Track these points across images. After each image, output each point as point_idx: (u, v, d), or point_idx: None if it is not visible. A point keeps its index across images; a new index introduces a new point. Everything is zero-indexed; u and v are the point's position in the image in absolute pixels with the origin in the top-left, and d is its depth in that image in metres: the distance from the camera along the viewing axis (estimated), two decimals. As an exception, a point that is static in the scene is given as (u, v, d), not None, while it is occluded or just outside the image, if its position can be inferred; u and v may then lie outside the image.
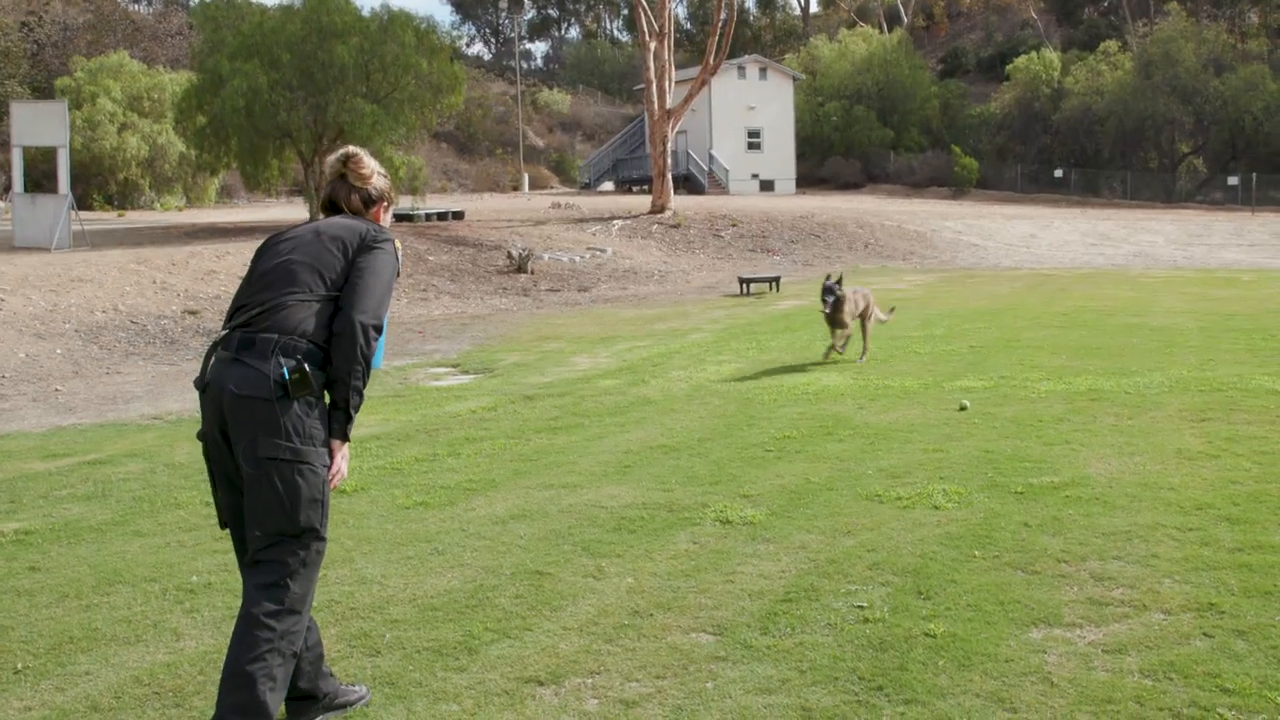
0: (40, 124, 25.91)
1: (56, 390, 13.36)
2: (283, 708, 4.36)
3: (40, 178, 31.53)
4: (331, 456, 4.12)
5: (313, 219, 4.39)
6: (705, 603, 5.59)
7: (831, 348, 13.71)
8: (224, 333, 4.16)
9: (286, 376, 3.96)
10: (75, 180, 38.66)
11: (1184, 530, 6.52)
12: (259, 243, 4.38)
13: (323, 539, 4.12)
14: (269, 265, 4.26)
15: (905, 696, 4.47)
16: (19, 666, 5.04)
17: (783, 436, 9.46)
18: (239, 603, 4.22)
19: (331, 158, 4.51)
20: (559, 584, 5.94)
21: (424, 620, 5.44)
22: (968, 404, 10.45)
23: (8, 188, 28.23)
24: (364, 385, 4.13)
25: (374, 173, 4.51)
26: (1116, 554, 6.14)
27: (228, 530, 4.25)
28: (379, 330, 4.15)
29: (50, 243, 24.05)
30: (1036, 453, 8.57)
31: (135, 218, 37.56)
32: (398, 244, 4.40)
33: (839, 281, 13.32)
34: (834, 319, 13.33)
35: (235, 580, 5.99)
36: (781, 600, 5.57)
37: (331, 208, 4.51)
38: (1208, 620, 5.17)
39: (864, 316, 13.86)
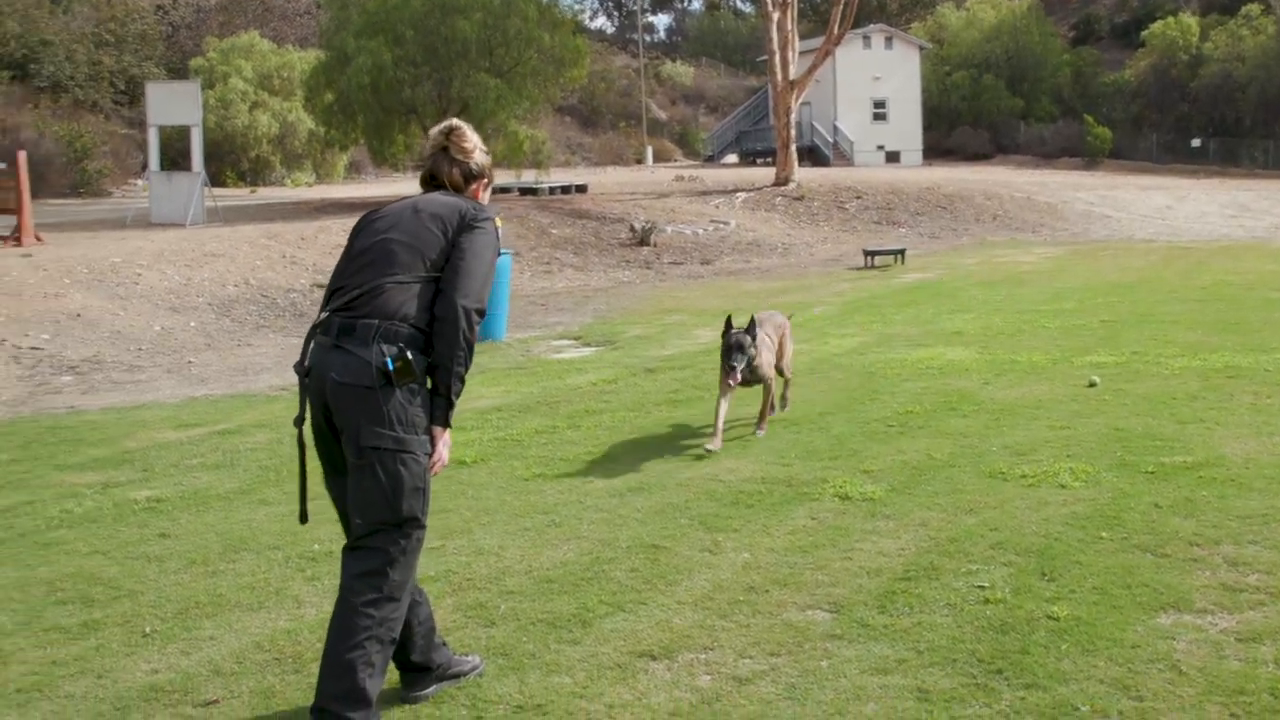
0: (174, 104, 26.51)
1: (189, 362, 13.69)
2: (398, 677, 4.41)
3: (176, 156, 32.25)
4: (433, 444, 4.08)
5: None
6: (822, 580, 5.52)
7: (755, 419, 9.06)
8: (323, 317, 4.12)
9: (390, 365, 3.93)
10: (209, 158, 39.55)
11: (1324, 513, 6.27)
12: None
13: (423, 526, 4.11)
14: (366, 244, 4.21)
15: (1025, 681, 4.36)
16: (147, 630, 5.17)
17: (905, 411, 9.31)
18: None
19: (434, 130, 4.45)
20: (674, 558, 5.92)
21: (539, 592, 5.46)
22: (1097, 380, 10.17)
23: (145, 166, 28.95)
24: (466, 371, 4.08)
25: (476, 148, 4.43)
26: (1252, 538, 5.92)
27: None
28: (481, 314, 4.10)
29: (185, 219, 24.64)
30: (1169, 431, 8.31)
31: (267, 194, 38.36)
32: (498, 222, 4.35)
33: (749, 329, 8.59)
34: (755, 380, 8.66)
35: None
36: (900, 579, 5.48)
37: (431, 182, 4.44)
38: (1349, 607, 4.96)
39: (781, 352, 9.40)
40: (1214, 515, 6.30)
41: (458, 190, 4.40)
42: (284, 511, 7.00)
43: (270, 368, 13.16)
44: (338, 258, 4.35)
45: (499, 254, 4.33)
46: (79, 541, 6.55)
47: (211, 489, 7.66)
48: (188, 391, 11.80)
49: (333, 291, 4.18)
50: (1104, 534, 6.02)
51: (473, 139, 4.43)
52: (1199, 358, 11.30)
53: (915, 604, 5.15)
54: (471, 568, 5.86)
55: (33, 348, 13.61)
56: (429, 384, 4.10)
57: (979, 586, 5.33)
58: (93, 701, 4.47)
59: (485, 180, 4.50)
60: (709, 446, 8.15)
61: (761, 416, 8.90)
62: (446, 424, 4.11)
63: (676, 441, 8.59)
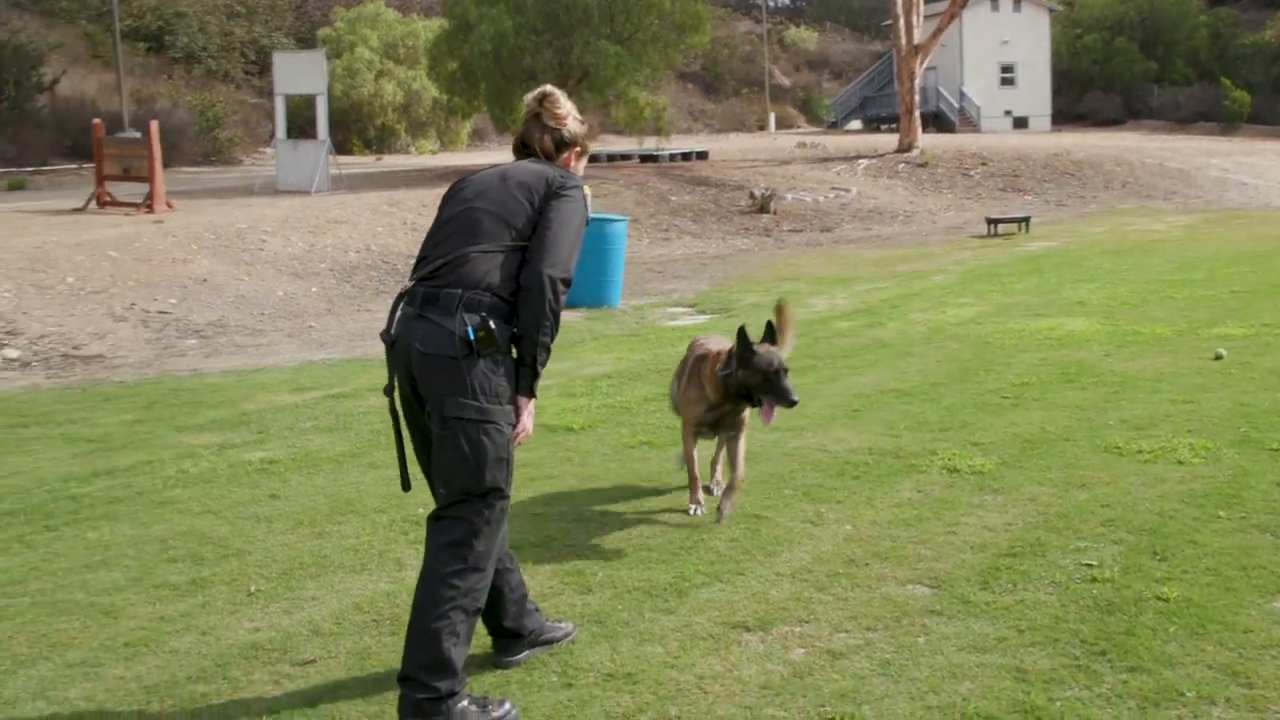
0: (300, 73, 26.95)
1: (310, 327, 13.95)
2: (490, 642, 4.44)
3: (303, 124, 32.85)
4: (518, 414, 4.06)
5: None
6: (924, 554, 5.43)
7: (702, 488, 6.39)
8: (408, 285, 4.12)
9: (472, 334, 3.91)
10: (335, 126, 40.16)
11: None
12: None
13: (506, 497, 4.08)
14: (452, 213, 4.20)
15: (1129, 664, 4.24)
16: (252, 589, 5.28)
17: (1021, 383, 9.12)
18: None
19: (528, 96, 4.42)
20: (776, 528, 5.86)
21: (638, 560, 5.45)
22: (1224, 353, 9.84)
23: (273, 135, 29.53)
24: (552, 340, 4.05)
25: (569, 115, 4.39)
26: (1380, 518, 5.68)
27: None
28: (568, 284, 4.07)
29: (310, 186, 25.07)
30: (1297, 406, 8.02)
31: (391, 161, 38.86)
32: (587, 190, 4.29)
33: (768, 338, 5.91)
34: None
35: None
36: (1005, 555, 5.36)
37: (523, 149, 4.41)
38: None
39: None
40: (1341, 495, 6.07)
41: (549, 158, 4.36)
42: (391, 475, 7.02)
43: (388, 333, 13.35)
44: None
45: (587, 223, 4.28)
46: (193, 501, 6.72)
47: (323, 451, 7.79)
48: (306, 355, 12.03)
49: (419, 260, 4.19)
50: (1221, 513, 5.82)
51: (566, 106, 4.39)
52: (1334, 330, 10.88)
53: (1019, 581, 5.04)
54: (571, 535, 5.87)
55: (161, 312, 13.97)
56: (513, 354, 4.08)
57: (1086, 565, 5.19)
58: (195, 657, 4.58)
59: (578, 149, 4.45)
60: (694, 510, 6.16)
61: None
62: (531, 394, 4.09)
63: (785, 411, 8.47)
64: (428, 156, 42.94)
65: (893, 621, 4.69)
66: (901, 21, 35.86)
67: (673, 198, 27.26)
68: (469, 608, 3.97)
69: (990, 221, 23.95)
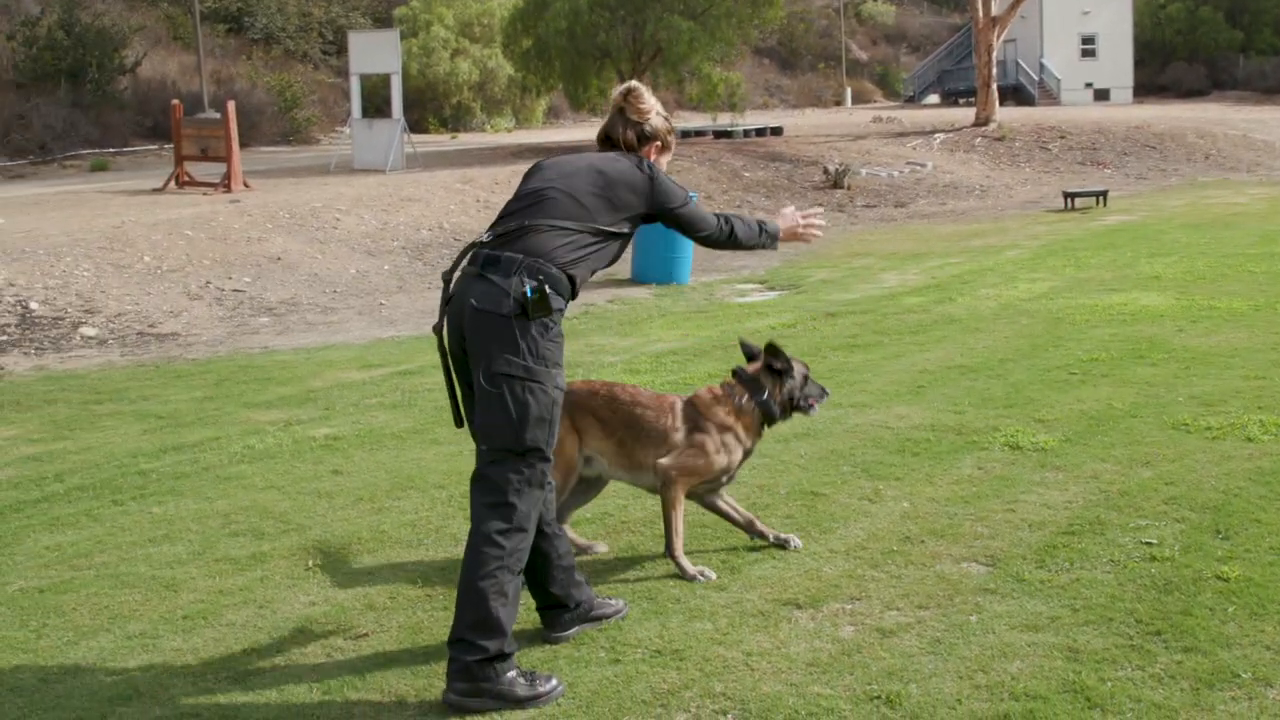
0: (375, 52, 27.14)
1: (381, 304, 14.08)
2: (539, 617, 4.47)
3: (380, 103, 33.05)
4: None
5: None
6: (981, 531, 5.37)
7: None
8: (476, 242, 4.23)
9: (530, 295, 3.99)
10: (411, 105, 40.44)
11: None
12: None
13: (547, 459, 4.13)
14: (533, 188, 4.31)
15: (1185, 644, 4.17)
16: (309, 564, 5.35)
17: (1090, 359, 8.98)
18: None
19: (615, 91, 4.55)
20: (832, 505, 5.84)
21: (692, 537, 5.44)
22: None
23: (350, 114, 29.77)
24: (751, 227, 4.68)
25: (652, 110, 4.49)
26: None
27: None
28: (721, 226, 4.58)
29: (385, 164, 25.27)
30: (1375, 382, 7.83)
31: (467, 139, 39.05)
32: (656, 167, 4.42)
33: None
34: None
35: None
36: (1063, 533, 5.29)
37: (607, 141, 4.52)
38: None
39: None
40: None
41: (631, 150, 4.46)
42: (453, 451, 7.14)
43: (457, 310, 13.44)
44: None
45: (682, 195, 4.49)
46: (257, 476, 6.82)
47: (387, 428, 7.87)
48: (376, 333, 12.15)
49: (492, 226, 4.29)
50: (1289, 491, 5.71)
51: (650, 102, 4.49)
52: None
53: (1076, 559, 4.97)
54: (628, 511, 5.89)
55: (235, 290, 14.18)
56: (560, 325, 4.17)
57: (1146, 543, 5.12)
58: (251, 630, 4.65)
59: (659, 143, 4.52)
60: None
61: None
62: (777, 234, 4.79)
63: (849, 387, 8.45)
64: (503, 134, 43.08)
65: (945, 600, 4.65)
66: (979, -7, 35.34)
67: (746, 174, 27.14)
68: (514, 568, 4.04)
69: (1067, 195, 23.58)
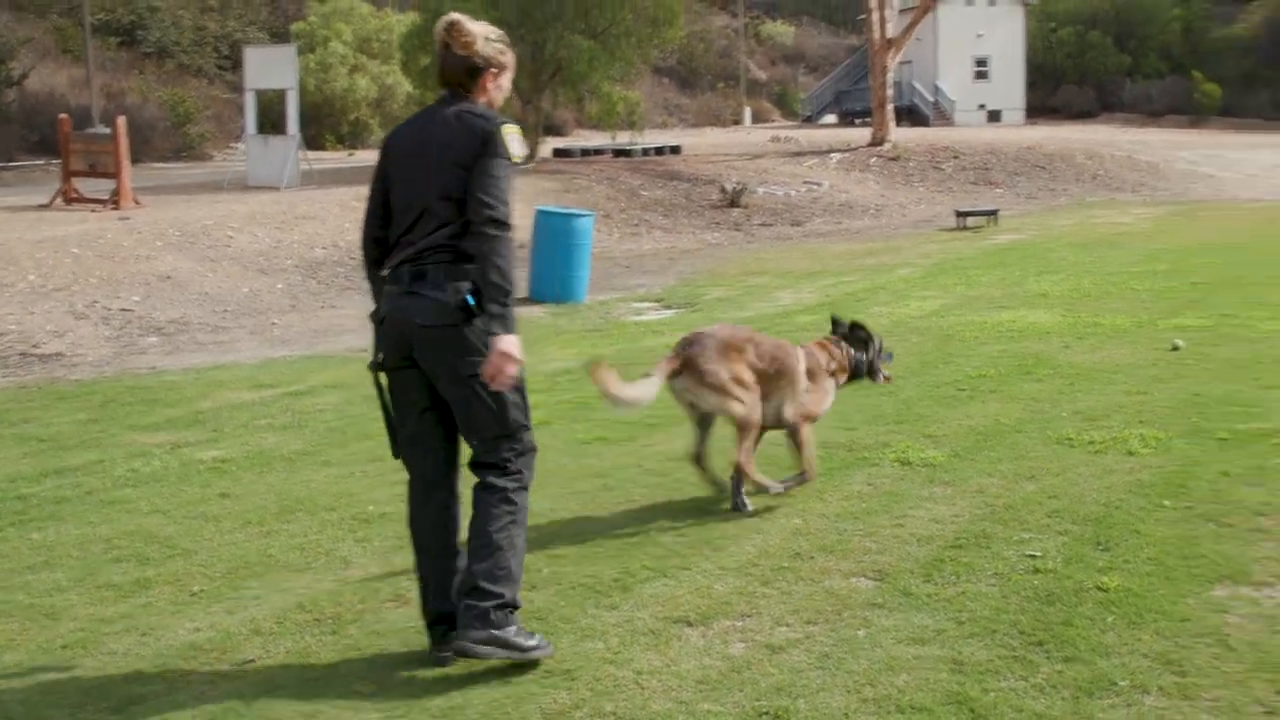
0: (271, 68, 26.84)
1: (273, 324, 13.90)
2: (427, 635, 4.44)
3: (276, 119, 32.69)
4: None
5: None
6: (870, 546, 5.44)
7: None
8: (392, 266, 4.37)
9: (470, 301, 4.19)
10: (309, 121, 39.95)
11: (1404, 483, 6.03)
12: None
13: (529, 428, 4.47)
14: (407, 199, 4.38)
15: (1066, 654, 4.26)
16: (195, 589, 5.26)
17: (978, 375, 9.14)
18: (408, 533, 4.60)
19: (437, 26, 4.44)
20: (724, 523, 5.88)
21: (584, 556, 5.45)
22: (1181, 344, 9.88)
23: (245, 130, 29.40)
24: (505, 279, 4.16)
25: (478, 37, 4.40)
26: (1323, 507, 5.72)
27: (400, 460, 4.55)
28: (508, 225, 4.21)
29: (280, 182, 24.98)
30: (1249, 396, 8.05)
31: (365, 156, 38.65)
32: (513, 129, 4.32)
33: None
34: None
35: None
36: (950, 546, 5.38)
37: (442, 79, 4.46)
38: None
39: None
40: (1286, 485, 6.10)
41: (463, 86, 4.42)
42: (344, 473, 7.08)
43: (353, 329, 13.30)
44: None
45: (521, 157, 4.39)
46: (142, 500, 6.68)
47: (277, 450, 7.76)
48: (268, 353, 11.98)
49: (391, 244, 4.43)
50: (1167, 502, 5.85)
51: (474, 30, 4.40)
52: (1293, 320, 10.95)
53: (962, 573, 5.05)
54: (519, 530, 5.86)
55: (123, 309, 13.89)
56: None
57: (1030, 556, 5.21)
58: (133, 659, 4.55)
59: (493, 69, 4.46)
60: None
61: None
62: (507, 327, 4.19)
63: (742, 405, 8.50)
64: (401, 152, 42.73)
65: (834, 615, 4.69)
66: (875, 15, 35.91)
67: (644, 192, 27.25)
68: (522, 522, 4.43)
69: (960, 214, 24.00)
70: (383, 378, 4.50)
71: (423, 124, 4.47)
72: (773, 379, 6.14)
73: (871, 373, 6.62)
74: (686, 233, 24.12)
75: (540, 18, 29.93)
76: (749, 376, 6.01)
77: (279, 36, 47.80)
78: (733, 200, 26.98)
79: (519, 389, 4.36)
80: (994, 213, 23.97)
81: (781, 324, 12.23)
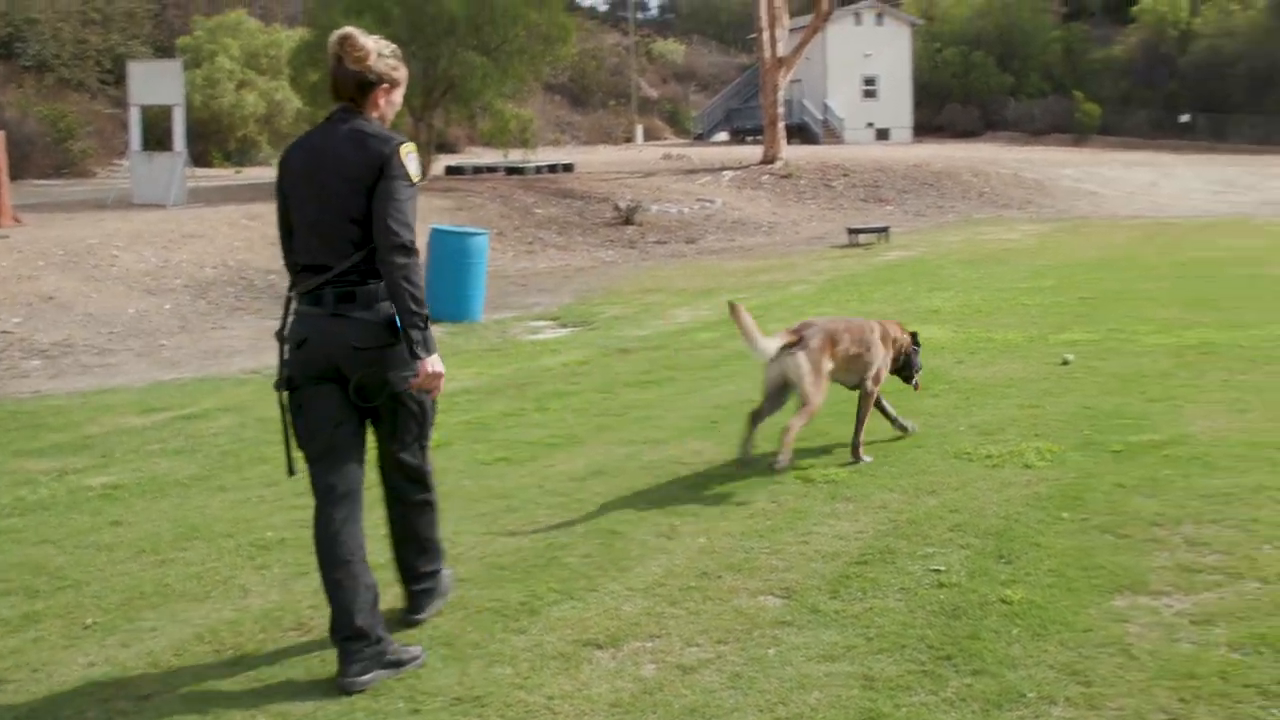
0: (156, 83, 26.33)
1: (162, 345, 13.59)
2: (337, 652, 4.40)
3: (161, 136, 32.07)
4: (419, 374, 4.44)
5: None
6: (776, 564, 5.44)
7: None
8: (310, 287, 4.44)
9: (399, 321, 4.37)
10: (195, 138, 39.24)
11: (1289, 492, 6.20)
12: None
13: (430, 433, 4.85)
14: (313, 220, 4.46)
15: (974, 667, 4.29)
16: (89, 622, 5.09)
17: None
18: (309, 559, 4.76)
19: (330, 40, 4.45)
20: (629, 543, 5.83)
21: (490, 579, 5.38)
22: (1071, 358, 10.09)
23: (129, 146, 28.79)
24: (419, 286, 4.34)
25: (371, 52, 4.45)
26: (1213, 517, 5.85)
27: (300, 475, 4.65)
28: (413, 251, 4.34)
29: (167, 199, 24.51)
30: (1137, 409, 8.24)
31: (253, 174, 38.14)
32: (410, 149, 4.41)
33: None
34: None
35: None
36: (855, 562, 5.40)
37: (335, 92, 4.51)
38: (1306, 589, 4.89)
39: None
40: (1177, 494, 6.23)
41: (355, 100, 4.48)
42: (240, 498, 6.93)
43: (243, 350, 13.06)
44: None
45: (419, 177, 4.47)
46: (29, 530, 6.46)
47: (170, 475, 7.57)
48: (157, 375, 11.71)
49: (305, 269, 4.49)
50: (1065, 515, 5.95)
51: (366, 44, 4.44)
52: (1173, 334, 11.23)
53: (868, 589, 5.08)
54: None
55: (3, 331, 13.50)
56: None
57: (934, 570, 5.26)
58: (24, 696, 4.39)
59: (385, 85, 4.52)
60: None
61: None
62: (427, 349, 4.40)
63: (643, 424, 8.50)
64: (290, 169, 42.16)
65: (743, 634, 4.69)
66: (765, 34, 36.31)
67: (538, 210, 27.21)
68: (436, 504, 4.94)
69: (851, 231, 24.32)
70: (285, 396, 4.56)
71: (319, 142, 4.48)
72: (860, 356, 7.36)
73: (909, 372, 7.93)
74: (581, 250, 24.12)
75: (432, 34, 29.74)
76: (829, 368, 7.10)
77: (164, 51, 46.93)
78: (627, 218, 27.07)
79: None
80: (885, 230, 24.33)
81: (680, 341, 12.26)
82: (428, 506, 4.88)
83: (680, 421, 8.50)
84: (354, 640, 4.36)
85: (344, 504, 4.49)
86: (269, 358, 12.60)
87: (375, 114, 4.51)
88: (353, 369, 4.42)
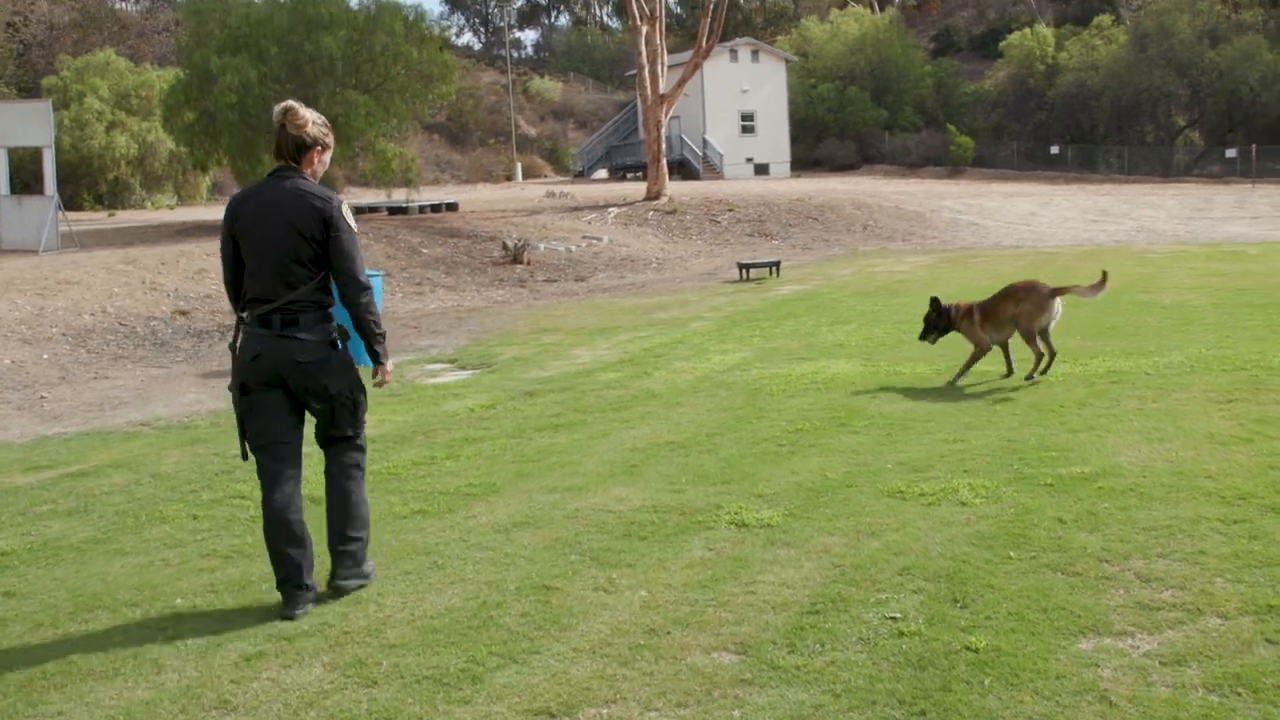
0: (24, 124, 25.38)
1: (42, 397, 12.95)
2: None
3: (30, 179, 31.04)
4: (380, 376, 5.88)
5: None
6: (726, 617, 5.19)
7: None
8: (261, 312, 5.51)
9: (334, 336, 5.61)
10: (65, 181, 38.08)
11: (1229, 523, 6.13)
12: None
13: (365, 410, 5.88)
14: (262, 260, 5.50)
15: (951, 722, 4.09)
16: (-15, 708, 4.66)
17: (795, 429, 9.07)
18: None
19: (275, 109, 5.53)
20: (568, 599, 5.54)
21: (424, 644, 5.05)
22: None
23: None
24: (380, 328, 5.72)
25: (309, 121, 5.55)
26: (1160, 551, 5.75)
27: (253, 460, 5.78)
28: (369, 288, 5.67)
29: (38, 245, 23.63)
30: (1061, 440, 8.18)
31: (126, 217, 37.06)
32: (346, 205, 5.62)
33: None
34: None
35: (221, 604, 5.66)
36: (808, 612, 5.18)
37: (278, 152, 5.58)
38: (1269, 624, 4.78)
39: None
40: (1119, 528, 6.14)
41: (295, 159, 5.57)
42: (142, 562, 6.49)
43: (130, 401, 12.50)
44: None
45: (354, 233, 5.65)
46: (-89, 605, 5.97)
47: (63, 539, 7.09)
48: (39, 429, 11.11)
49: (255, 299, 5.54)
50: (1012, 553, 5.81)
51: (306, 115, 5.54)
52: (1080, 363, 11.28)
53: (826, 640, 4.86)
54: (349, 619, 5.41)
55: None
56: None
57: (890, 618, 5.06)
58: (-81, 797, 3.97)
59: (319, 147, 5.62)
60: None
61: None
62: (382, 361, 5.80)
63: (560, 470, 8.22)
64: (165, 211, 41.15)
65: (704, 695, 4.43)
66: (646, 71, 36.38)
67: (424, 250, 26.79)
68: (362, 481, 5.86)
69: (742, 267, 24.29)
70: (238, 398, 5.66)
71: (268, 196, 5.54)
72: None
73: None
74: (471, 290, 23.77)
75: (311, 73, 29.29)
76: None
77: (28, 91, 45.61)
78: (515, 257, 26.78)
79: (364, 393, 5.81)
80: (776, 264, 24.35)
81: (585, 382, 12.00)
82: (357, 470, 5.81)
83: (599, 467, 8.22)
84: (301, 590, 5.55)
85: (288, 479, 5.59)
86: (157, 408, 12.16)
87: (309, 170, 5.61)
88: (294, 378, 5.53)
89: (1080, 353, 11.91)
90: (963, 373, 10.72)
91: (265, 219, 5.47)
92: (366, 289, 5.57)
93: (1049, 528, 6.20)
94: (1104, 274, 10.85)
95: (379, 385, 5.87)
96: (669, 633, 5.05)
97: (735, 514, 6.78)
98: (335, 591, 5.68)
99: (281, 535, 5.50)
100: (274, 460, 5.58)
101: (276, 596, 5.68)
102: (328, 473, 5.77)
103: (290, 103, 5.50)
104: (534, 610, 5.40)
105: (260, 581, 5.99)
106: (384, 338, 5.73)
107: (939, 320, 10.91)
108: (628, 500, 7.26)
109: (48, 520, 7.57)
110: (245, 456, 5.72)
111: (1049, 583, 5.39)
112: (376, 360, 5.72)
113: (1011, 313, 10.64)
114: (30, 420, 11.68)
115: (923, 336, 11.11)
